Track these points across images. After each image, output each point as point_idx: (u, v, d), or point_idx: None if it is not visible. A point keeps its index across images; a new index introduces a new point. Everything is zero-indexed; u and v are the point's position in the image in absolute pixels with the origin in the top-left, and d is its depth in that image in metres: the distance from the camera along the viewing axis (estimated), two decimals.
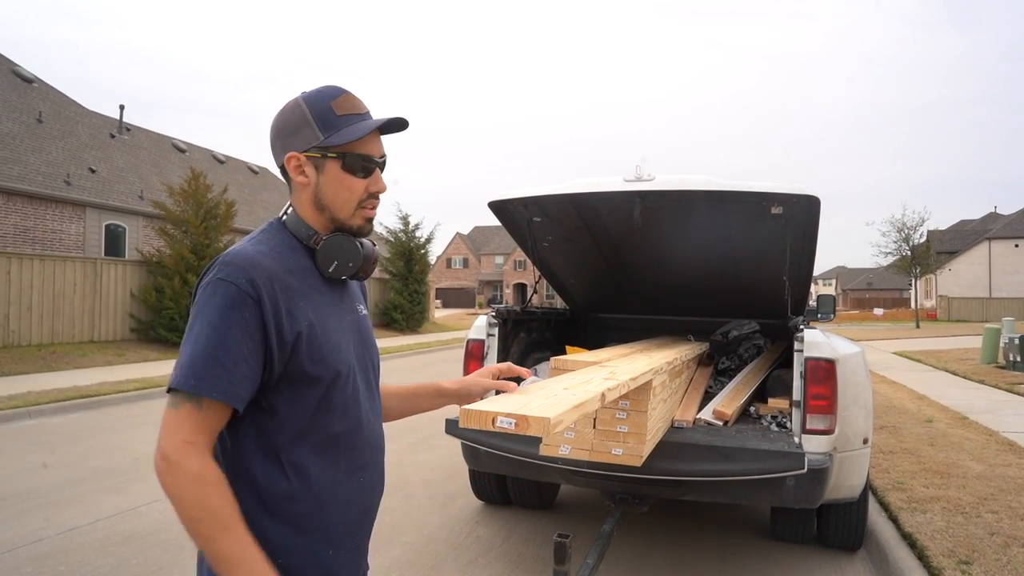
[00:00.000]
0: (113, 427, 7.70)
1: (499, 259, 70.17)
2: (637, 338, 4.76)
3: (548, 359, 3.67)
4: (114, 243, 18.78)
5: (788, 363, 4.72)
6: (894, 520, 4.14)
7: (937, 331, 29.28)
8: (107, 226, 18.62)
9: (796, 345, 3.29)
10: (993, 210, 59.64)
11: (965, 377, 12.07)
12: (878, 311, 45.29)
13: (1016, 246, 47.26)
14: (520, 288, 65.20)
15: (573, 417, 1.38)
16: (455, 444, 3.96)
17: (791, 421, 3.38)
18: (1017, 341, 12.61)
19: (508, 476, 4.33)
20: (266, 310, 1.11)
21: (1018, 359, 12.47)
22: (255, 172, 29.69)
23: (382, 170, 1.30)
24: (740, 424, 3.52)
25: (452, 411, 2.11)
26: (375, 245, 1.31)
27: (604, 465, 2.77)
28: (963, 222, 60.50)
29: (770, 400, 3.86)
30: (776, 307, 5.09)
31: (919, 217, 35.85)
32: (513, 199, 4.10)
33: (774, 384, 4.07)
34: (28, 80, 20.64)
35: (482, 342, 3.95)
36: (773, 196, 3.47)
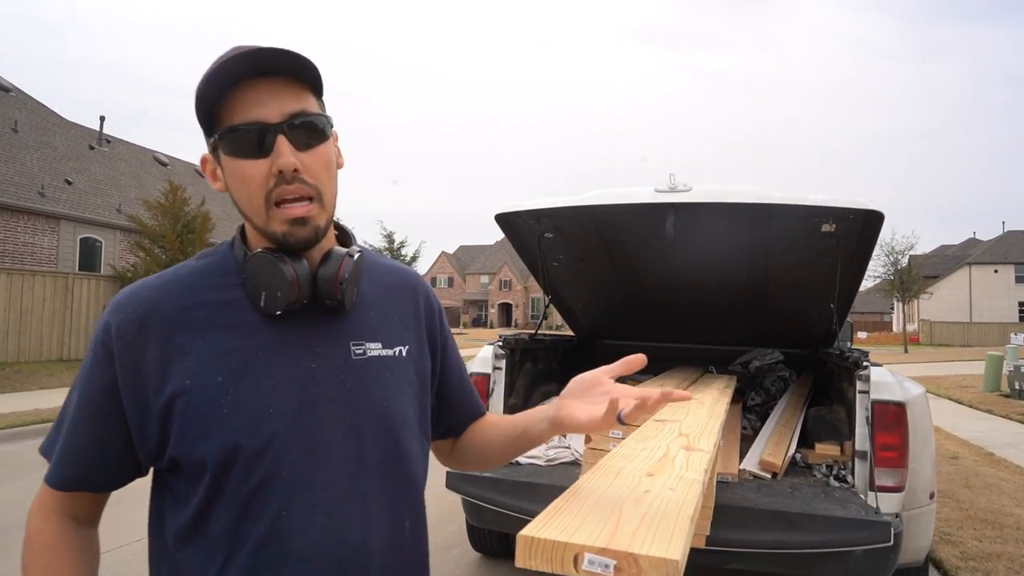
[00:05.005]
0: None
1: (484, 278, 69.51)
2: (648, 368, 4.25)
3: (556, 393, 3.16)
4: (90, 257, 18.03)
5: (819, 399, 4.24)
6: None
7: (925, 356, 29.04)
8: (83, 240, 17.88)
9: (860, 385, 2.79)
10: (972, 235, 60.24)
11: (971, 406, 11.68)
12: (862, 335, 45.18)
13: (995, 271, 47.54)
14: (505, 308, 64.51)
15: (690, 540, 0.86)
16: (442, 484, 3.40)
17: (851, 474, 2.89)
18: (1023, 370, 12.27)
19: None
20: (120, 365, 0.85)
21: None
22: None
23: (299, 141, 0.84)
24: (791, 477, 3.01)
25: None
26: (348, 256, 0.91)
27: None
28: (943, 247, 60.93)
29: (817, 446, 3.35)
30: (807, 335, 4.61)
31: (908, 242, 35.97)
32: (523, 211, 3.58)
33: (817, 426, 3.57)
34: (5, 89, 19.98)
35: (488, 376, 3.39)
36: (829, 211, 3.00)
